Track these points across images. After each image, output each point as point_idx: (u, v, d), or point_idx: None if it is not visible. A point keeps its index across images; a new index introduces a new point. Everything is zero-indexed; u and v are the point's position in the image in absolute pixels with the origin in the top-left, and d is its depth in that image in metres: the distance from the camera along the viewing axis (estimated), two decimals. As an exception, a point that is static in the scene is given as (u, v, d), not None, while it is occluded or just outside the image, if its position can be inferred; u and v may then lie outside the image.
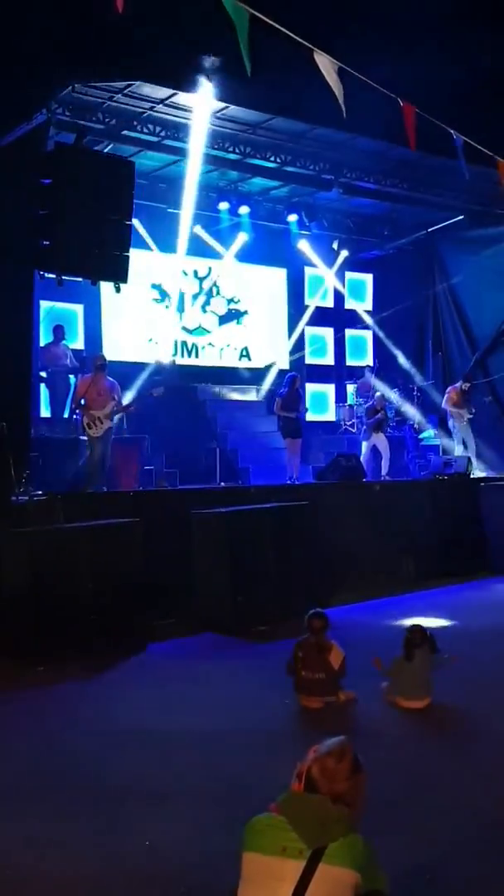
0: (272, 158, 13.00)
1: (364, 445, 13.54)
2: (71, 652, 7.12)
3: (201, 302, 15.17)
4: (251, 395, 14.94)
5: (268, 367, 14.95)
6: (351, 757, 2.69)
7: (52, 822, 4.14)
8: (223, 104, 11.12)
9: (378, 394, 13.88)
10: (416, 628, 5.96)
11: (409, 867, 3.46)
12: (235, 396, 14.97)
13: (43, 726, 5.67)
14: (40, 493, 8.96)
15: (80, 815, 4.22)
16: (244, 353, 15.60)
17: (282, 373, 14.75)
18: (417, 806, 4.25)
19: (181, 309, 14.91)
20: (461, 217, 15.01)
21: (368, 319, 17.15)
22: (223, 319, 15.41)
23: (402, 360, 16.28)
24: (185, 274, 14.94)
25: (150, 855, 3.78)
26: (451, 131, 7.49)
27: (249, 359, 15.58)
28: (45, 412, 12.40)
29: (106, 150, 11.53)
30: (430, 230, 15.88)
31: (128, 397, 11.81)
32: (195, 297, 15.10)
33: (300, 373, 16.04)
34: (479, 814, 4.16)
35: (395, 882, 2.75)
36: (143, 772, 4.78)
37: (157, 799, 4.38)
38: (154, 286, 14.55)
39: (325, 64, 5.55)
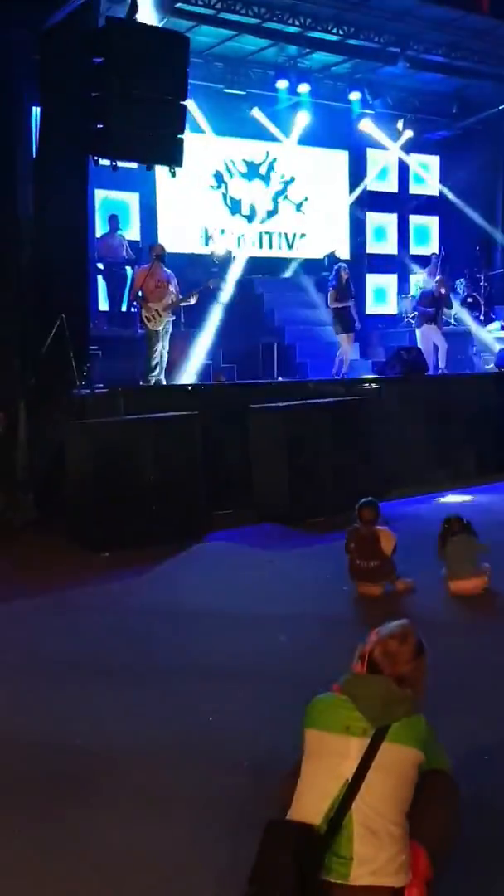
0: (334, 30, 12.23)
1: (419, 334, 13.01)
2: (133, 539, 7.29)
3: (259, 188, 14.65)
4: (309, 287, 14.52)
5: (327, 257, 14.44)
6: (414, 639, 2.69)
7: (117, 698, 4.31)
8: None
9: (437, 278, 13.25)
10: (454, 518, 5.98)
11: (470, 748, 3.51)
12: (292, 288, 14.60)
13: (109, 608, 5.87)
14: (101, 386, 9.01)
15: (144, 691, 4.39)
16: (302, 241, 15.10)
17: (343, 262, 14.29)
18: (477, 689, 4.29)
19: (237, 196, 14.45)
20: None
21: (434, 205, 16.41)
22: (281, 206, 14.89)
23: (469, 248, 15.59)
24: (244, 159, 14.40)
25: (214, 730, 3.91)
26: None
27: (308, 248, 15.10)
28: (103, 305, 12.33)
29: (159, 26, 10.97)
30: (502, 107, 14.90)
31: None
32: (251, 182, 14.57)
33: (361, 262, 15.60)
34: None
35: (455, 762, 2.78)
36: (205, 652, 4.92)
37: (219, 678, 4.51)
38: (210, 172, 14.08)
39: None
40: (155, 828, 3.12)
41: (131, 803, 3.30)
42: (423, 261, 15.73)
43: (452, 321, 14.32)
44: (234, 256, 13.78)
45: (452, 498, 9.43)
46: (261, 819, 2.56)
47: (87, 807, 3.28)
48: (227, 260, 13.39)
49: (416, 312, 13.30)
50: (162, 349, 10.51)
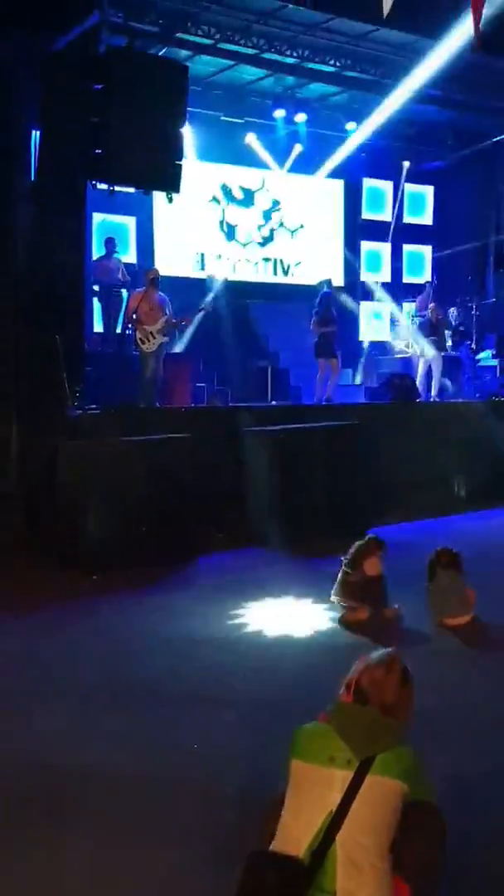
0: (331, 62, 12.43)
1: (421, 363, 13.22)
2: (124, 563, 7.27)
3: (254, 215, 14.80)
4: (304, 313, 14.60)
5: (322, 284, 14.57)
6: (400, 668, 2.69)
7: (102, 723, 4.28)
8: (280, 3, 10.63)
9: (431, 305, 13.49)
10: (443, 550, 5.96)
11: (456, 777, 3.51)
12: (287, 314, 14.70)
13: (96, 631, 5.85)
14: (94, 407, 9.03)
15: (129, 717, 4.36)
16: (297, 268, 15.23)
17: (337, 290, 14.41)
18: (463, 718, 4.29)
19: (234, 222, 14.58)
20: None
21: (427, 234, 16.60)
22: (276, 233, 15.03)
23: (461, 277, 15.76)
24: (240, 186, 14.55)
25: (199, 757, 3.89)
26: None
27: (303, 275, 15.22)
28: (97, 327, 12.40)
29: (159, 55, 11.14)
30: (495, 140, 15.13)
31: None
32: (247, 209, 14.71)
33: (355, 290, 15.74)
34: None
35: (441, 791, 2.78)
36: (193, 678, 4.91)
37: (206, 704, 4.50)
38: (206, 198, 14.21)
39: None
40: (137, 855, 3.10)
41: (114, 830, 3.28)
42: (416, 289, 15.87)
43: (448, 346, 14.43)
44: (229, 281, 13.85)
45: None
46: (244, 849, 2.56)
47: (69, 832, 3.26)
48: (221, 284, 13.46)
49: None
50: (156, 371, 10.57)
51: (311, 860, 2.41)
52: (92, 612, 6.33)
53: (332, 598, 6.03)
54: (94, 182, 8.84)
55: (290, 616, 6.18)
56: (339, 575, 6.05)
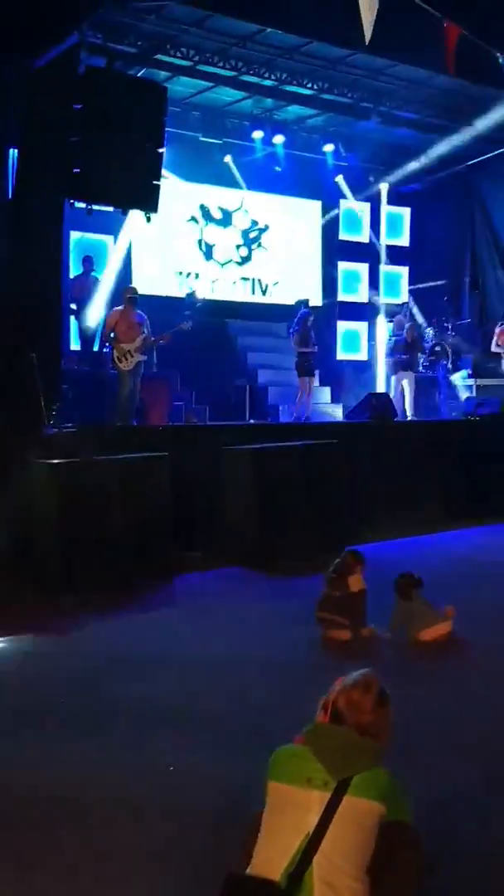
0: (309, 85, 12.58)
1: (393, 381, 13.39)
2: (98, 582, 7.20)
3: (232, 235, 14.88)
4: (281, 332, 14.71)
5: (299, 304, 14.66)
6: (377, 689, 2.68)
7: (76, 747, 4.21)
8: (258, 27, 10.75)
9: (408, 325, 13.66)
10: (407, 573, 6.00)
11: (432, 799, 3.49)
12: (265, 333, 14.78)
13: (72, 652, 5.78)
14: (70, 425, 8.99)
15: (103, 740, 4.30)
16: (275, 288, 15.32)
17: (314, 309, 14.48)
18: (440, 740, 4.28)
19: (212, 241, 14.65)
20: (503, 150, 14.47)
21: (404, 256, 16.77)
22: (254, 253, 15.12)
23: (438, 298, 15.93)
24: (219, 206, 14.63)
25: (174, 779, 3.85)
26: (499, 55, 7.14)
27: (281, 294, 15.31)
28: (74, 345, 12.36)
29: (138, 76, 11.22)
30: (469, 163, 15.36)
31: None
32: (226, 229, 14.79)
33: (332, 310, 15.84)
34: (501, 750, 4.18)
35: (417, 814, 2.76)
36: (169, 698, 4.85)
37: (182, 725, 4.45)
38: (185, 218, 14.27)
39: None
40: (111, 880, 3.05)
41: (89, 854, 3.23)
42: (392, 309, 16.01)
43: (421, 367, 14.56)
44: (207, 300, 13.90)
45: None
46: (221, 872, 2.52)
47: (45, 854, 3.20)
48: (199, 303, 13.51)
49: (391, 359, 13.65)
50: (133, 390, 10.55)
51: (287, 883, 2.38)
52: (66, 632, 6.25)
53: (316, 613, 6.01)
54: (72, 200, 8.86)
55: (268, 636, 6.15)
56: (324, 590, 6.04)
